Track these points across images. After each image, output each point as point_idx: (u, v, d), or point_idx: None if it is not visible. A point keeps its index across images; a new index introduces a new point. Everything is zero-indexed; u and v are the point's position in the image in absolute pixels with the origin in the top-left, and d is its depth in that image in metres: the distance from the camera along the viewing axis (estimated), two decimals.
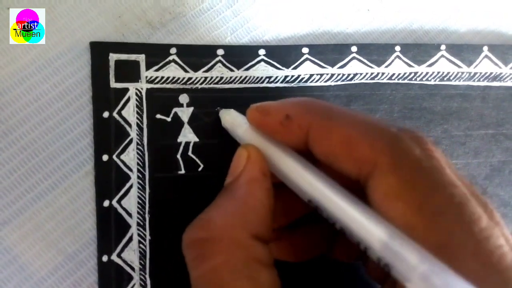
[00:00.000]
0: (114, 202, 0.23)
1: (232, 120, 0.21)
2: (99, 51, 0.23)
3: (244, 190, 0.17)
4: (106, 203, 0.23)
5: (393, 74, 0.26)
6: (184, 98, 0.24)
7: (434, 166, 0.15)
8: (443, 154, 0.16)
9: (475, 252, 0.13)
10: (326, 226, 0.20)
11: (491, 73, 0.28)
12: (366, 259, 0.21)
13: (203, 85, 0.24)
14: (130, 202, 0.23)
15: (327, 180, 0.16)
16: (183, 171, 0.24)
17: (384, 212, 0.15)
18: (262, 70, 0.25)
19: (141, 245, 0.23)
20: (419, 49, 0.27)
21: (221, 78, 0.24)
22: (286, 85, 0.25)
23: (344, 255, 0.22)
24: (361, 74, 0.26)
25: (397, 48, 0.27)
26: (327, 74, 0.26)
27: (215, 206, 0.18)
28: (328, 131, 0.17)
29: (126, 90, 0.23)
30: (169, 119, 0.24)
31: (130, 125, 0.23)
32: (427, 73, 0.27)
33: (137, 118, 0.23)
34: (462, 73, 0.27)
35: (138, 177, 0.23)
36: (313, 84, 0.26)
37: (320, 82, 0.26)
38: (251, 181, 0.17)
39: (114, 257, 0.23)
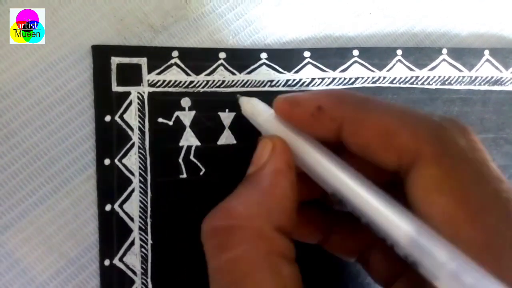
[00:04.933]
0: (116, 206, 0.23)
1: (253, 107, 0.21)
2: (101, 54, 0.23)
3: (268, 181, 0.16)
4: (108, 207, 0.23)
5: (395, 78, 0.27)
6: (186, 102, 0.24)
7: (480, 158, 0.14)
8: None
9: None
10: (324, 213, 0.21)
11: (492, 77, 0.28)
12: (367, 262, 0.21)
13: (205, 89, 0.24)
14: (132, 206, 0.23)
15: (353, 173, 0.16)
16: (185, 175, 0.24)
17: (425, 205, 0.14)
18: (264, 74, 0.25)
19: (143, 249, 0.23)
20: (420, 53, 0.27)
21: (223, 81, 0.24)
22: (287, 88, 0.25)
23: (339, 248, 0.22)
24: (362, 78, 0.26)
25: (399, 52, 0.27)
26: (329, 78, 0.26)
27: (237, 195, 0.17)
28: (364, 122, 0.16)
29: (128, 93, 0.23)
30: (171, 123, 0.24)
31: (132, 129, 0.23)
32: (428, 77, 0.27)
33: (139, 122, 0.23)
34: (463, 77, 0.28)
35: (140, 181, 0.23)
36: (314, 88, 0.26)
37: (322, 86, 0.26)
38: (276, 172, 0.17)
39: (116, 261, 0.23)
